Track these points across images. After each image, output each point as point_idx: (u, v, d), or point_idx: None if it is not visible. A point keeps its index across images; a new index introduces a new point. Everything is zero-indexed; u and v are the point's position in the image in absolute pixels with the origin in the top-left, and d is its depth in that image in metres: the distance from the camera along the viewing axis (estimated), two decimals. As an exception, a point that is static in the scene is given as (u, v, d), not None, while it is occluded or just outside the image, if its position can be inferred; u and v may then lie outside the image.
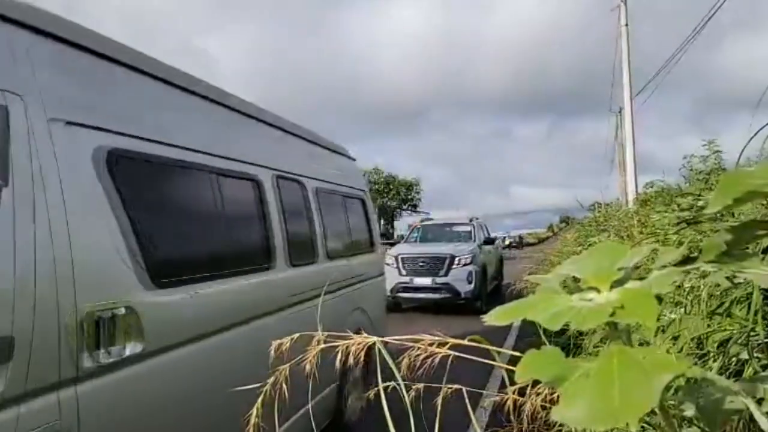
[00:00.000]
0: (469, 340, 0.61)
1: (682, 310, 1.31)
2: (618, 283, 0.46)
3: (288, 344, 0.76)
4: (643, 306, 0.41)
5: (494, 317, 0.52)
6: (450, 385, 0.98)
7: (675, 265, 0.53)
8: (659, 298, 1.66)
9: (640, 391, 0.36)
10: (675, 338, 1.15)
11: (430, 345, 0.57)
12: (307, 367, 0.67)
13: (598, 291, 0.47)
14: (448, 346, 0.57)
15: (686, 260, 0.53)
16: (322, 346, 0.71)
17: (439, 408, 0.76)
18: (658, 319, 1.54)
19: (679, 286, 1.46)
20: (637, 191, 13.84)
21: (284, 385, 0.68)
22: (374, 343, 0.65)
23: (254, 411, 0.72)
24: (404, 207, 26.85)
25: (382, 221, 26.37)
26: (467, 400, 0.88)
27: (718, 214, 1.57)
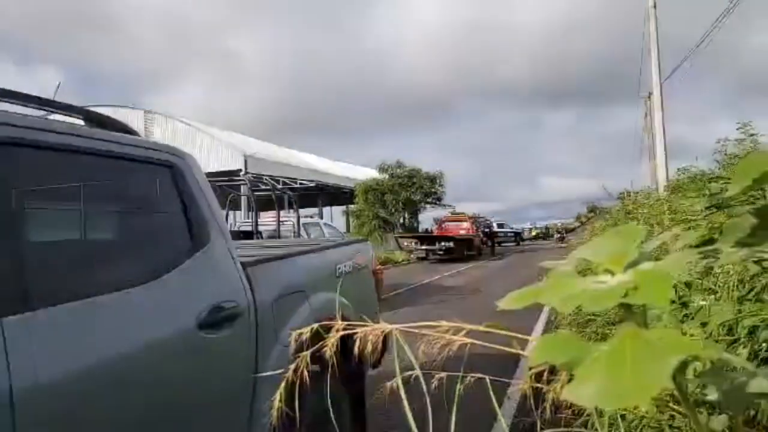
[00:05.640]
0: (486, 326, 0.61)
1: (712, 296, 1.27)
2: (632, 265, 0.46)
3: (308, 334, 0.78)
4: (656, 286, 0.40)
5: (508, 302, 0.52)
6: (472, 374, 0.98)
7: (693, 247, 0.52)
8: (688, 285, 1.61)
9: (652, 371, 0.36)
10: (704, 324, 1.12)
11: (446, 332, 0.58)
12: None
13: (612, 274, 0.46)
14: (464, 332, 0.58)
15: (705, 243, 0.52)
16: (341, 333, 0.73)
17: (456, 398, 0.77)
18: (687, 306, 1.51)
19: (709, 273, 1.42)
20: (668, 178, 13.43)
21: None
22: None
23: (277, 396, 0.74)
24: (428, 200, 26.67)
25: (406, 214, 26.25)
26: (490, 391, 0.88)
27: (750, 198, 1.51)
